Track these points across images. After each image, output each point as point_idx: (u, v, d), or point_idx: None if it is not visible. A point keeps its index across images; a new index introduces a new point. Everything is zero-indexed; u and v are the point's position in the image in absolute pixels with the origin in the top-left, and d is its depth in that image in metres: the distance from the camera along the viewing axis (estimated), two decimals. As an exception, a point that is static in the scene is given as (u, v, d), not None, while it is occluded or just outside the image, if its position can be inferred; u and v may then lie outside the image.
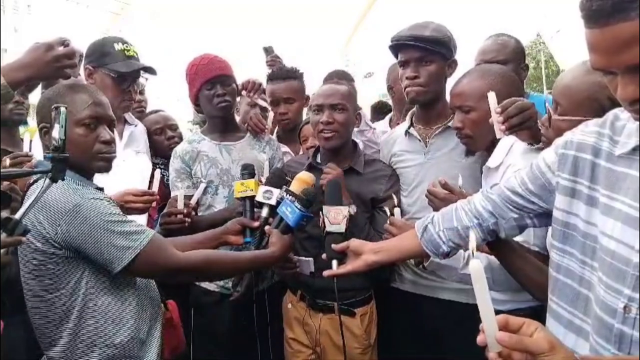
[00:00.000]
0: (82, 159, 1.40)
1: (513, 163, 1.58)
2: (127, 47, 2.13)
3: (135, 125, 2.34)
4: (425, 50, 1.88)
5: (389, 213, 1.65)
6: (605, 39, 0.80)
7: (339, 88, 1.94)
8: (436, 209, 1.41)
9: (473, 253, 0.84)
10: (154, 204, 1.97)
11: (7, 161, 1.75)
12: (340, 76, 2.57)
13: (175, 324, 1.77)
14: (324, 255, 1.51)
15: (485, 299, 0.75)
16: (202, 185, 2.07)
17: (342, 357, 1.86)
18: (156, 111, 2.67)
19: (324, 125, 1.90)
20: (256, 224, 1.73)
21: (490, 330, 0.76)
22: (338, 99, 1.90)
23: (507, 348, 0.75)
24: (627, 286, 0.87)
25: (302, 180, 1.69)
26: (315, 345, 1.98)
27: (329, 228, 1.52)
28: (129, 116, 2.29)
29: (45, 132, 1.40)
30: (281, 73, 2.52)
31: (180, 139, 2.57)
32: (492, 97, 1.53)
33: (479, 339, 0.77)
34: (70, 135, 1.36)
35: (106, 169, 1.47)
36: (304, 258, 1.86)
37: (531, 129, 1.53)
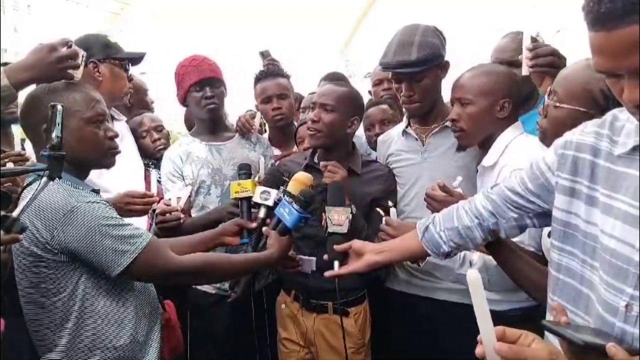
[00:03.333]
0: (94, 157, 1.42)
1: (508, 163, 1.59)
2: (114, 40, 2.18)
3: (125, 121, 2.35)
4: (415, 71, 1.85)
5: (382, 214, 1.65)
6: (612, 42, 0.78)
7: (335, 89, 1.94)
8: (435, 212, 1.42)
9: (472, 264, 0.83)
10: (154, 205, 1.98)
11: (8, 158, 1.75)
12: (337, 78, 2.56)
13: (173, 324, 1.76)
14: (325, 256, 1.51)
15: (483, 310, 0.74)
16: (188, 189, 2.07)
17: (336, 356, 1.86)
18: (140, 113, 2.66)
19: (310, 122, 1.91)
20: (254, 225, 1.73)
21: (488, 341, 0.75)
22: (329, 99, 1.90)
23: (505, 359, 0.74)
24: (628, 285, 0.87)
25: (299, 181, 1.68)
26: (310, 345, 1.98)
27: (332, 229, 1.52)
28: (115, 112, 2.28)
29: (45, 130, 1.39)
30: (270, 71, 2.53)
31: (167, 139, 2.58)
32: (526, 36, 1.64)
33: (478, 350, 0.76)
34: (82, 134, 1.38)
35: (113, 164, 1.49)
36: (306, 257, 1.85)
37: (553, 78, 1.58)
